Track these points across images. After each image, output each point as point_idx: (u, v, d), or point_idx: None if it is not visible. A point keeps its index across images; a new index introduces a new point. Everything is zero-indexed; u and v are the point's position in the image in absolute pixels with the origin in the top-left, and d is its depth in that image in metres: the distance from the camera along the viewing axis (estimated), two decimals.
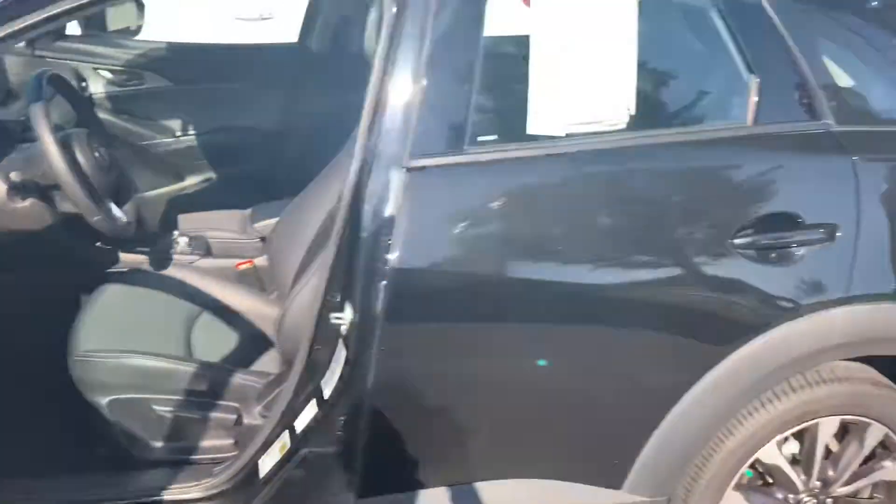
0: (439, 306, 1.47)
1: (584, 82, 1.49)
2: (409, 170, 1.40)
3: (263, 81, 3.03)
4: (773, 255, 1.57)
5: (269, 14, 5.94)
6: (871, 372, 1.77)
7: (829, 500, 1.82)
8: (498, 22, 1.48)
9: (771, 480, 1.81)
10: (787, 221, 1.56)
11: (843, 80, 1.66)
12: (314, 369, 1.57)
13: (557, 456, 1.67)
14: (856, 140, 1.61)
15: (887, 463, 1.84)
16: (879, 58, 1.68)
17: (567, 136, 1.49)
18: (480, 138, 1.47)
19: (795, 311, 1.58)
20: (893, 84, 1.68)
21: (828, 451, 1.81)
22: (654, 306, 1.54)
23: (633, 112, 1.52)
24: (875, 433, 1.79)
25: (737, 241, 1.53)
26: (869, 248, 1.61)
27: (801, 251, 1.57)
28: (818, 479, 1.80)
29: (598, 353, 1.56)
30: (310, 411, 1.57)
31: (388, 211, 1.39)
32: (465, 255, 1.46)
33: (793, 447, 1.80)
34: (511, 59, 1.53)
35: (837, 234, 1.58)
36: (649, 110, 1.58)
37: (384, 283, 1.40)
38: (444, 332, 1.49)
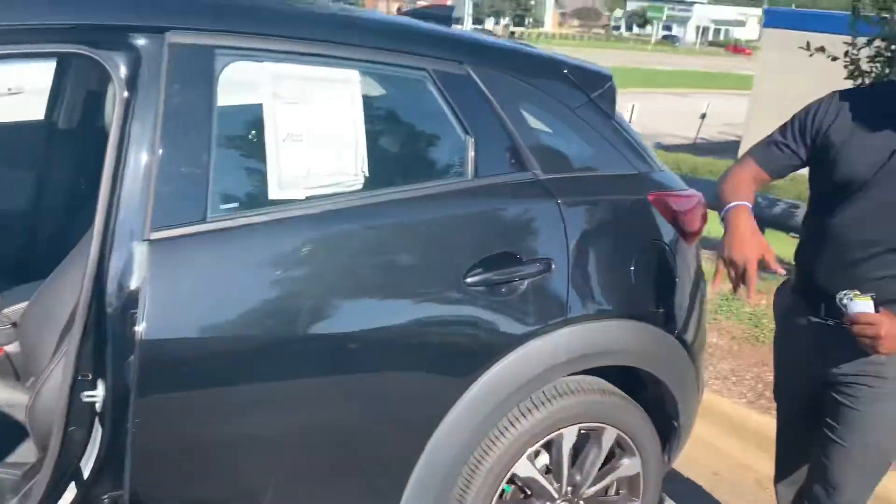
0: (191, 374, 1.51)
1: (319, 148, 1.64)
2: (150, 242, 1.44)
3: (10, 161, 2.88)
4: (503, 289, 1.79)
5: (17, 88, 5.57)
6: (601, 383, 2.05)
7: (580, 503, 2.06)
8: (232, 93, 1.59)
9: (529, 492, 2.01)
10: (510, 259, 1.80)
11: (545, 136, 1.96)
12: (71, 451, 1.53)
13: (330, 498, 1.75)
14: (559, 185, 1.90)
15: (624, 461, 2.13)
16: (570, 115, 1.99)
17: (307, 198, 1.62)
18: (223, 206, 1.55)
19: (526, 337, 1.81)
20: (582, 137, 2.00)
21: (574, 457, 2.05)
22: (401, 348, 1.69)
23: (367, 174, 1.68)
24: (609, 436, 2.06)
25: (469, 280, 1.73)
26: (579, 275, 1.89)
27: (524, 284, 1.81)
28: (569, 485, 2.03)
29: (353, 397, 1.67)
30: (69, 494, 1.53)
31: (133, 284, 1.42)
32: (213, 322, 1.52)
33: (545, 458, 2.02)
34: (249, 127, 1.63)
35: (553, 266, 1.84)
36: (384, 171, 1.76)
37: (133, 356, 1.42)
38: (199, 398, 1.52)
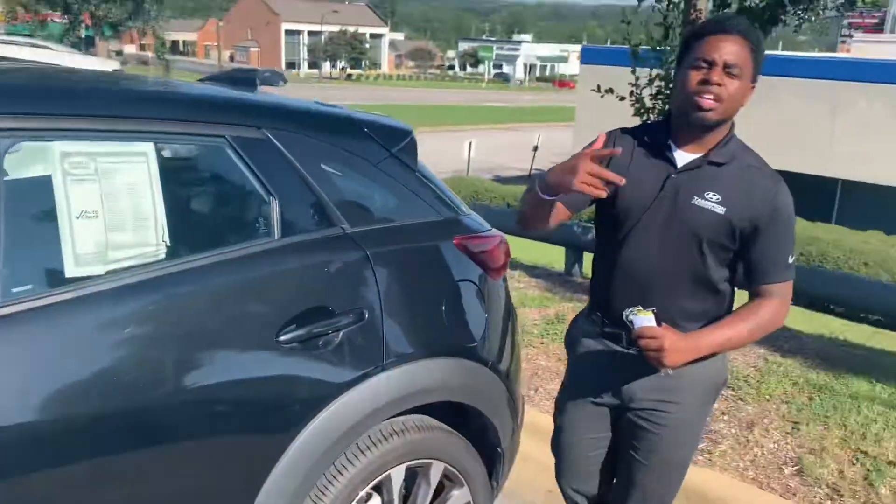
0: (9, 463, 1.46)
1: (116, 222, 1.64)
2: None
3: None
4: (319, 342, 1.86)
5: None
6: (424, 419, 2.15)
7: None
8: (20, 174, 1.57)
9: None
10: (323, 313, 1.87)
11: (350, 191, 2.06)
12: None
13: None
14: (367, 237, 2.00)
15: (454, 492, 2.24)
16: (373, 170, 2.11)
17: (107, 273, 1.61)
18: (15, 289, 1.51)
19: (346, 385, 1.89)
20: (387, 190, 2.12)
21: (406, 496, 2.14)
22: (219, 412, 1.71)
23: (169, 243, 1.71)
24: (437, 470, 2.16)
25: (282, 338, 1.79)
26: (393, 321, 1.99)
27: (339, 336, 1.88)
28: None
29: (176, 465, 1.67)
30: None
31: None
32: (19, 407, 1.48)
33: (377, 501, 2.09)
34: (40, 206, 1.61)
35: (366, 315, 1.93)
36: (188, 239, 1.78)
37: None
38: (14, 485, 1.47)
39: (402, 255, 2.09)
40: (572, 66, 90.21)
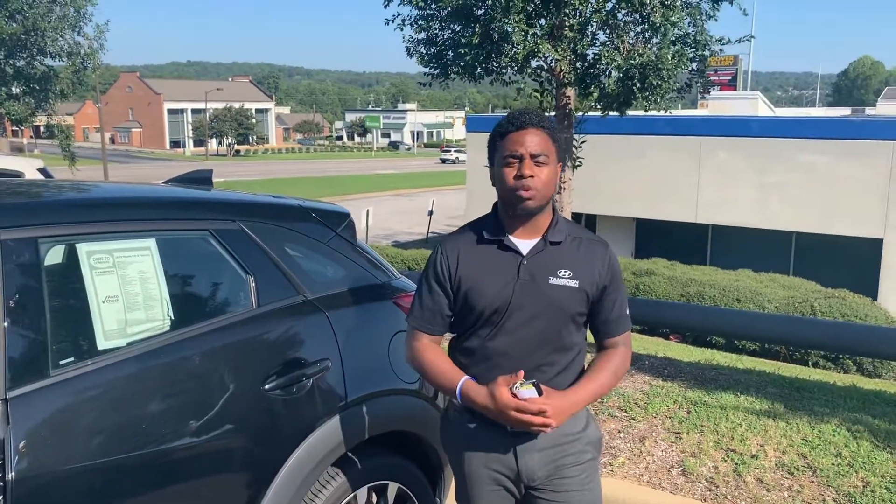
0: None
1: (132, 303, 2.07)
2: (6, 401, 1.78)
3: None
4: (294, 389, 2.31)
5: None
6: (380, 448, 2.61)
7: None
8: (55, 270, 1.98)
9: None
10: (297, 364, 2.33)
11: (308, 266, 2.55)
12: None
13: None
14: (325, 302, 2.49)
15: None
16: (323, 247, 2.61)
17: (128, 344, 2.04)
18: (62, 361, 1.92)
19: (319, 421, 2.34)
20: (336, 262, 2.63)
21: None
22: (222, 448, 2.13)
23: (173, 317, 2.15)
24: (392, 490, 2.63)
25: (267, 387, 2.24)
26: (351, 367, 2.47)
27: (310, 382, 2.35)
28: None
29: (189, 493, 2.07)
30: None
31: None
32: (68, 456, 1.86)
33: None
34: (74, 295, 2.02)
35: (329, 364, 2.41)
36: (188, 313, 2.22)
37: (2, 498, 1.72)
38: None
39: (353, 314, 2.59)
40: (458, 132, 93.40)
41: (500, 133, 1.99)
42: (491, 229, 2.03)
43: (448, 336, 2.15)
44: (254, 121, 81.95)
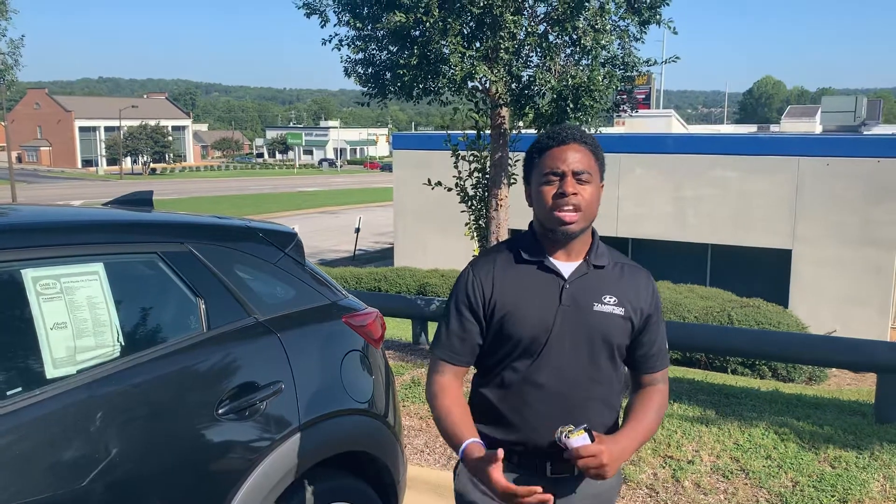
0: None
1: (81, 329, 2.01)
2: None
3: None
4: (247, 412, 2.28)
5: None
6: (334, 469, 2.60)
7: None
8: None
9: None
10: (249, 388, 2.30)
11: (258, 287, 2.52)
12: None
13: None
14: (276, 323, 2.47)
15: None
16: (272, 268, 2.59)
17: (78, 372, 1.97)
18: (10, 392, 1.84)
19: (275, 443, 2.31)
20: (285, 283, 2.61)
21: None
22: (177, 473, 2.08)
23: (122, 342, 2.09)
24: None
25: (220, 411, 2.20)
26: (304, 389, 2.45)
27: (264, 405, 2.32)
28: None
29: None
30: None
31: None
32: (23, 492, 1.78)
33: None
34: (20, 322, 1.94)
35: (282, 386, 2.38)
36: (137, 338, 2.16)
37: None
38: None
39: (304, 335, 2.57)
40: (382, 148, 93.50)
41: (539, 149, 1.82)
42: (529, 249, 1.85)
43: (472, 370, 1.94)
44: (170, 138, 79.90)
